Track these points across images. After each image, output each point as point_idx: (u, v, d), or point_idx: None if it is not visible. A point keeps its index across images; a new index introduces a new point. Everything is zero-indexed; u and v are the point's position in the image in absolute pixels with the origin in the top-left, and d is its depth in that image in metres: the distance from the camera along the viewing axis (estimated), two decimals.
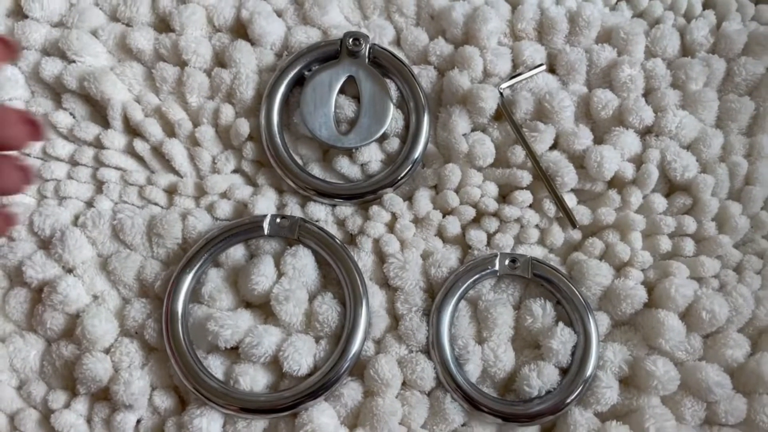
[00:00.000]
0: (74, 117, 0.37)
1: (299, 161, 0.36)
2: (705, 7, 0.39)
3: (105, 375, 0.32)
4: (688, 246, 0.35)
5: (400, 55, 0.37)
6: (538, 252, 0.35)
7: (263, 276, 0.33)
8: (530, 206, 0.35)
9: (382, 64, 0.36)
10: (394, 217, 0.35)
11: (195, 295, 0.34)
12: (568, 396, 0.32)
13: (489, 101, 0.35)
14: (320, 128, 0.35)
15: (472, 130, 0.37)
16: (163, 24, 0.38)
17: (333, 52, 0.36)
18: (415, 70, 0.37)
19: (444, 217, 0.35)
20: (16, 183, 0.30)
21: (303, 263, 0.34)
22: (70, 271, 0.34)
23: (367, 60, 0.36)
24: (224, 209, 0.35)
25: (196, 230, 0.34)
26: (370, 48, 0.36)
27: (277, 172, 0.36)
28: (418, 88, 0.36)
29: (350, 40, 0.36)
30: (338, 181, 0.36)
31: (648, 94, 0.37)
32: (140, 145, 0.36)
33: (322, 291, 0.34)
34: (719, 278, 0.34)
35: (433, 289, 0.34)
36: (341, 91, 0.36)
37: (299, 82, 0.36)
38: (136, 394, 0.32)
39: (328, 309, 0.33)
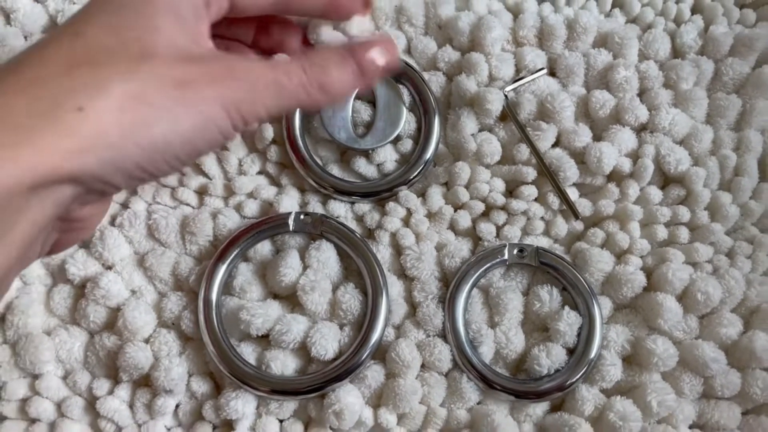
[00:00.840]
0: None
1: (320, 162, 0.37)
2: (693, 12, 0.40)
3: (146, 363, 0.33)
4: (683, 234, 0.36)
5: (411, 62, 0.38)
6: (543, 242, 0.36)
7: (290, 268, 0.34)
8: (535, 200, 0.36)
9: None
10: (409, 212, 0.36)
11: (226, 288, 0.35)
12: (576, 374, 0.33)
13: (495, 103, 0.36)
14: (339, 131, 0.36)
15: (480, 131, 0.37)
16: None
17: None
18: (426, 76, 0.38)
19: (455, 211, 0.36)
20: None
21: (326, 256, 0.35)
22: (109, 268, 0.35)
23: None
24: (251, 208, 0.36)
25: (226, 228, 0.36)
26: None
27: (299, 172, 0.37)
28: (429, 93, 0.37)
29: None
30: (356, 180, 0.37)
31: (642, 93, 0.37)
32: None
33: (344, 282, 0.35)
34: (712, 263, 0.35)
35: (447, 278, 0.35)
36: (358, 96, 0.37)
37: None
38: (175, 380, 0.33)
39: (350, 298, 0.34)
